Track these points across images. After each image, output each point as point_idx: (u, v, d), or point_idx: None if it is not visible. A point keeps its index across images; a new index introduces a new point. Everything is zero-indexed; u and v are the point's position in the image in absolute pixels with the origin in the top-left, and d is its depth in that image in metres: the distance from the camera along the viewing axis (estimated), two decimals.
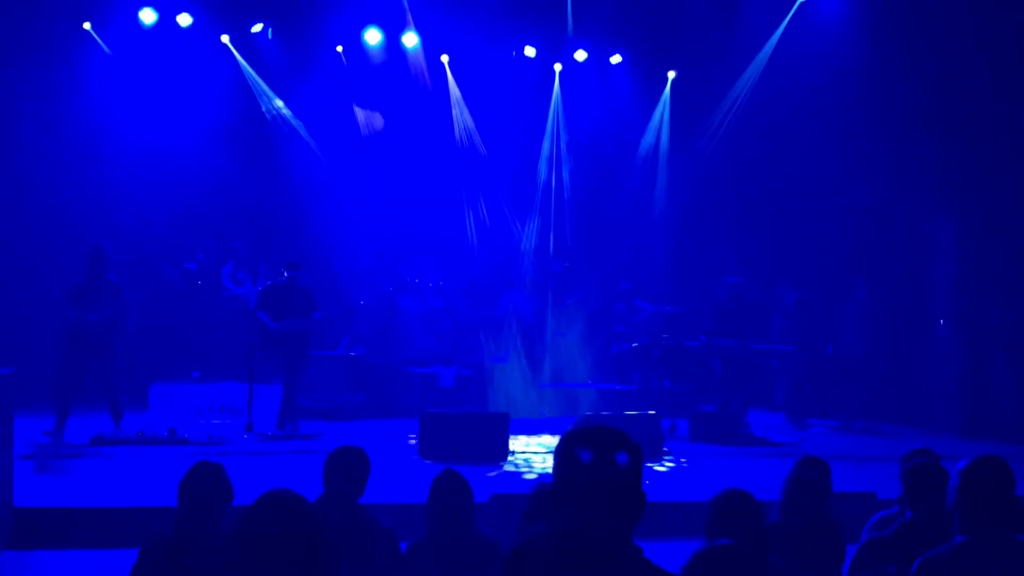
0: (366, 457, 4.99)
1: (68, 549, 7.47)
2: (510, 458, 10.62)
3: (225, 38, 15.13)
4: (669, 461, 10.93)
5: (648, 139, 16.83)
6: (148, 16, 14.56)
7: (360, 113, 15.87)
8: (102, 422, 11.03)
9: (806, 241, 14.82)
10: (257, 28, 15.18)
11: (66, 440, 10.57)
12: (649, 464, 10.43)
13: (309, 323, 11.91)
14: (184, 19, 14.64)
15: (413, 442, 11.03)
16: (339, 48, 15.52)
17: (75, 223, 13.53)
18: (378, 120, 15.90)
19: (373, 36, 15.51)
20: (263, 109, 15.48)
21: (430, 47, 15.79)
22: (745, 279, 13.56)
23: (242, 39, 15.26)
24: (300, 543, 2.88)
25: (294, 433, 11.63)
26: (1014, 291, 13.24)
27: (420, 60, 15.86)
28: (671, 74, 16.55)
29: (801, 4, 15.12)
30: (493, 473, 9.73)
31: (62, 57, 14.20)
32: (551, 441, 11.80)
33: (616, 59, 16.30)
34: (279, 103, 15.56)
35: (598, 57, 16.26)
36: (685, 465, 10.83)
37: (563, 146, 16.64)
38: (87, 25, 14.48)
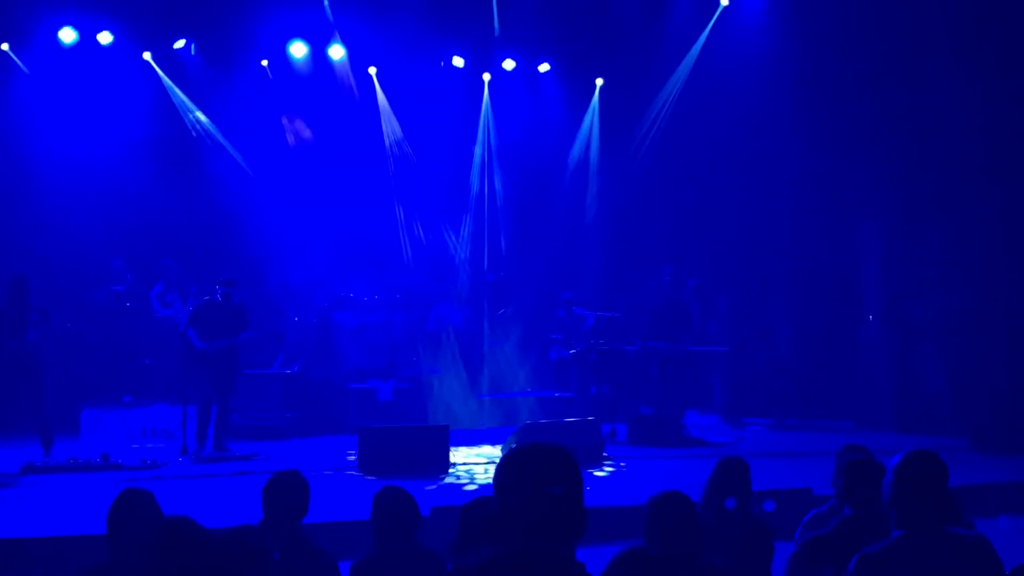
0: (304, 481, 4.97)
1: None
2: (451, 470, 10.59)
3: (147, 55, 14.91)
4: (609, 466, 10.97)
5: (578, 146, 16.91)
6: (68, 35, 14.28)
7: (288, 126, 15.72)
8: (32, 450, 10.77)
9: (736, 243, 14.97)
10: (180, 44, 14.97)
11: None
12: (589, 470, 10.47)
13: (237, 342, 11.74)
14: (105, 37, 14.38)
15: (352, 458, 10.93)
16: (264, 62, 15.37)
17: None
18: (306, 132, 15.75)
19: (298, 49, 15.39)
20: (188, 124, 15.25)
21: (357, 59, 15.71)
22: (678, 282, 13.68)
23: (165, 56, 15.03)
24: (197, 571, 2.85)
25: (224, 452, 11.42)
26: (940, 287, 13.51)
27: (347, 72, 15.77)
28: (599, 81, 16.66)
29: (724, 9, 15.29)
30: (434, 486, 9.68)
31: None
32: (491, 451, 11.81)
33: (544, 68, 16.38)
34: (203, 117, 15.35)
35: (526, 66, 16.31)
36: (624, 469, 10.88)
37: (494, 155, 16.65)
38: (5, 46, 14.17)
